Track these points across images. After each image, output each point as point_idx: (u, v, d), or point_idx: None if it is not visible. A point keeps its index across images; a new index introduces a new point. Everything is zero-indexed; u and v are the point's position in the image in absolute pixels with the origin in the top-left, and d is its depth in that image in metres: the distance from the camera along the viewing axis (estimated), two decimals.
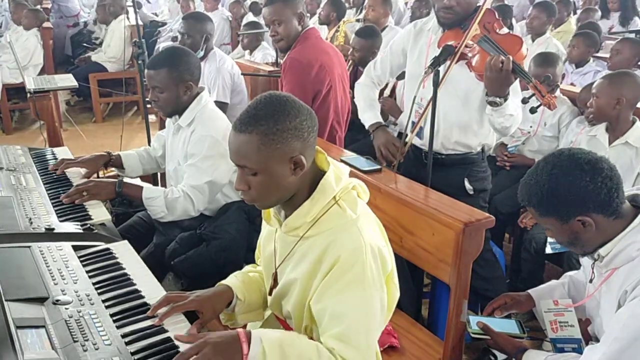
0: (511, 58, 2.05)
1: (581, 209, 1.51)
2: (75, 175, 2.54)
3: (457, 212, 1.91)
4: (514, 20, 6.02)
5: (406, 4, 8.80)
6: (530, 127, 3.23)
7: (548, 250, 2.66)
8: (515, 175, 3.28)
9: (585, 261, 1.72)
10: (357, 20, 5.20)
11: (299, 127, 1.38)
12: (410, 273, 2.46)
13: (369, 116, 2.64)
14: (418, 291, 2.62)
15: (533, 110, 2.15)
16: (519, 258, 3.07)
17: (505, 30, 2.30)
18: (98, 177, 2.66)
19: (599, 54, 4.55)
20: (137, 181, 2.68)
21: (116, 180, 2.38)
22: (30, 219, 2.04)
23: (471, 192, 2.42)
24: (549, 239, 2.74)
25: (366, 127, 2.64)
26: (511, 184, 3.19)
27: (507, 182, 3.19)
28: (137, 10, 5.19)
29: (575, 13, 6.29)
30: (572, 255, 2.59)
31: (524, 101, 2.13)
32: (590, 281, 1.66)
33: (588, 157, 1.52)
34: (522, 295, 1.89)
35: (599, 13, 5.89)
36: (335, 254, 1.37)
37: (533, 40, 4.72)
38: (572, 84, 4.06)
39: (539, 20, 4.69)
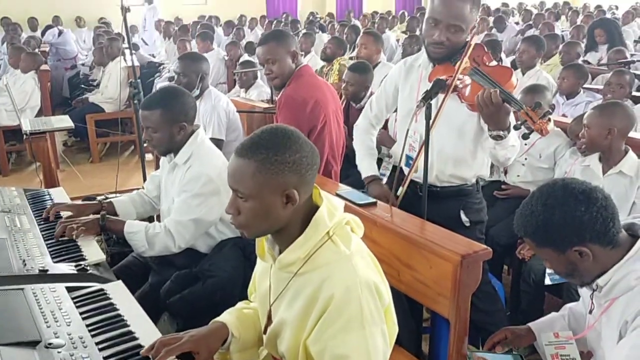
0: (498, 90, 2.07)
1: (578, 239, 1.50)
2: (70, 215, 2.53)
3: (454, 245, 1.91)
4: (503, 55, 6.12)
5: (398, 40, 8.96)
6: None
7: (547, 281, 2.64)
8: (512, 206, 3.27)
9: (584, 292, 1.71)
10: (351, 58, 5.30)
11: (297, 162, 1.39)
12: (409, 308, 2.43)
13: (365, 167, 2.67)
14: (418, 326, 2.58)
15: (526, 136, 2.16)
16: (518, 290, 3.05)
17: (494, 62, 2.33)
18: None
19: (589, 85, 4.61)
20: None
21: (98, 215, 2.38)
22: (24, 261, 2.02)
23: (467, 224, 2.41)
24: (548, 270, 2.72)
25: (362, 177, 2.67)
26: (508, 215, 3.18)
27: (503, 214, 3.19)
28: (134, 52, 5.28)
29: None
30: (571, 286, 2.57)
31: (516, 127, 2.14)
32: (590, 312, 1.64)
33: (582, 187, 1.52)
34: (522, 329, 1.87)
35: (582, 47, 5.97)
36: (329, 292, 1.36)
37: (523, 74, 4.79)
38: (563, 115, 4.09)
39: (528, 54, 4.77)
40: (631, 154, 2.69)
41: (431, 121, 2.21)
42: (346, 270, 1.39)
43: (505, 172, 3.44)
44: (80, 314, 1.70)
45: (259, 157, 1.37)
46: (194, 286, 2.35)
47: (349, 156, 3.84)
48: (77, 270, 2.01)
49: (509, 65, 5.74)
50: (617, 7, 14.11)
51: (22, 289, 1.77)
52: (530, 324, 1.87)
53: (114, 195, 2.96)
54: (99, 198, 2.82)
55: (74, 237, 2.26)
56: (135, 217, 2.69)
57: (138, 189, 2.84)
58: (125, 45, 7.34)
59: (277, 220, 1.42)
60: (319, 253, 1.41)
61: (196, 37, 7.18)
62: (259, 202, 1.39)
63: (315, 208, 1.45)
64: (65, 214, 2.51)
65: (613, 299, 1.54)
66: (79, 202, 2.63)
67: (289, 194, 1.39)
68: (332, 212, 1.46)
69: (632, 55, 6.05)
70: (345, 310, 1.35)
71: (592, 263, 1.52)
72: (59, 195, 2.80)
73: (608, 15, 10.69)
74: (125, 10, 3.17)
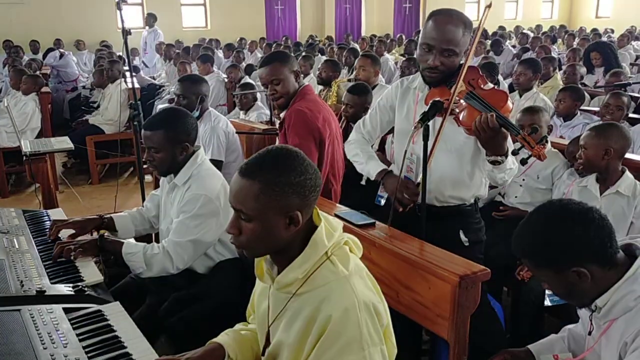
0: (494, 115, 2.08)
1: (576, 260, 1.50)
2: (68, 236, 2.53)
3: (452, 265, 1.91)
4: (500, 77, 6.17)
5: (396, 63, 9.05)
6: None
7: (547, 302, 2.63)
8: (510, 227, 3.20)
9: (583, 313, 1.70)
10: (349, 80, 5.34)
11: (302, 185, 1.39)
12: (408, 329, 2.42)
13: (373, 166, 2.57)
14: (417, 348, 2.56)
15: (524, 162, 2.17)
16: (517, 311, 3.03)
17: (489, 85, 2.35)
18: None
19: (587, 107, 4.64)
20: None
21: (96, 237, 2.38)
22: (21, 282, 2.02)
23: (466, 244, 2.41)
24: (547, 291, 2.71)
25: (372, 177, 2.57)
26: (506, 237, 3.14)
27: (502, 235, 3.15)
28: (135, 74, 5.32)
29: (560, 69, 6.46)
30: (571, 307, 2.55)
31: (514, 153, 2.15)
32: (589, 333, 1.64)
33: (578, 208, 1.53)
34: (521, 351, 1.85)
35: (584, 69, 6.05)
36: (327, 313, 1.36)
37: (521, 96, 4.83)
38: (561, 137, 4.12)
39: (525, 76, 4.80)
40: (628, 174, 2.70)
41: (430, 144, 2.23)
42: (344, 290, 1.38)
43: (503, 194, 3.45)
44: (78, 335, 1.69)
45: (263, 178, 1.37)
46: (192, 307, 2.34)
47: (349, 176, 3.87)
48: (75, 291, 2.00)
49: (506, 87, 5.81)
50: (612, 31, 14.27)
51: (18, 310, 1.77)
52: (529, 346, 1.86)
53: None
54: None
55: (72, 258, 2.25)
56: (134, 234, 2.70)
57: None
58: (126, 67, 7.42)
59: (279, 241, 1.42)
60: (317, 273, 1.41)
61: (197, 59, 7.25)
62: (261, 223, 1.38)
63: (314, 228, 1.45)
64: (66, 232, 2.51)
65: (612, 320, 1.54)
66: (79, 217, 2.62)
67: (293, 216, 1.39)
68: (331, 232, 1.46)
69: (628, 77, 6.10)
70: (344, 332, 1.34)
71: (591, 284, 1.51)
72: (57, 216, 2.80)
73: (604, 39, 10.82)
74: (126, 33, 3.21)
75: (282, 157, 1.40)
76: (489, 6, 2.32)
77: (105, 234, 2.50)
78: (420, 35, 2.33)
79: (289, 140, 2.89)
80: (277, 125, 3.15)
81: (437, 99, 2.27)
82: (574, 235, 1.49)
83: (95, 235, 2.54)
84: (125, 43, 3.31)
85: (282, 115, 3.01)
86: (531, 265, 1.58)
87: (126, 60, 3.64)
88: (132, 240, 2.52)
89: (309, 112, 2.88)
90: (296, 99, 2.94)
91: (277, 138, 3.09)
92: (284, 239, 1.42)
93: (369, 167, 2.58)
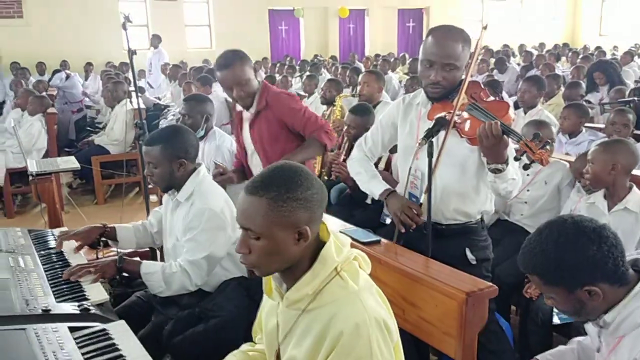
0: (498, 122, 2.09)
1: (589, 279, 1.48)
2: (73, 254, 2.54)
3: (458, 282, 1.89)
4: (505, 95, 6.18)
5: (400, 82, 9.10)
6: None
7: (555, 320, 2.61)
8: (518, 244, 3.23)
9: (591, 329, 1.68)
10: (353, 96, 5.35)
11: (309, 199, 1.39)
12: (415, 348, 2.39)
13: (376, 185, 2.57)
14: None
15: (527, 167, 2.15)
16: (526, 330, 2.99)
17: (491, 97, 2.36)
18: (97, 258, 2.64)
19: (591, 124, 4.63)
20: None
21: (115, 257, 2.38)
22: (27, 301, 2.01)
23: (473, 262, 2.39)
24: (556, 309, 2.69)
25: (376, 196, 2.57)
26: (514, 254, 3.14)
27: (509, 252, 3.15)
28: (140, 94, 5.37)
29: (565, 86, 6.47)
30: (580, 325, 2.53)
31: (516, 158, 2.14)
32: (598, 350, 1.61)
33: (593, 226, 1.50)
34: None
35: (584, 87, 6.05)
36: (338, 329, 1.34)
37: (525, 113, 4.82)
38: (567, 154, 4.11)
39: (530, 93, 4.80)
40: (635, 190, 2.69)
41: (434, 159, 2.23)
42: (355, 306, 1.38)
43: (508, 212, 3.43)
44: (83, 354, 1.68)
45: (270, 195, 1.36)
46: (197, 327, 2.33)
47: (354, 195, 3.87)
48: (80, 310, 1.99)
49: (511, 105, 5.82)
50: (616, 48, 14.32)
51: (24, 329, 1.76)
52: (538, 357, 1.82)
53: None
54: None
55: (91, 281, 2.26)
56: (135, 246, 2.71)
57: None
58: (132, 88, 7.47)
59: (289, 257, 1.41)
60: (327, 289, 1.40)
61: (196, 81, 7.23)
62: (271, 241, 1.38)
63: (322, 244, 1.45)
64: (70, 244, 2.52)
65: (621, 337, 1.51)
66: (82, 228, 2.62)
67: (302, 231, 1.38)
68: (340, 247, 1.46)
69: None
70: (355, 348, 1.33)
71: (601, 302, 1.49)
72: None
73: (608, 56, 10.85)
74: (131, 53, 3.24)
75: (288, 173, 1.40)
76: (485, 28, 2.35)
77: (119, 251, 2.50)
78: (421, 52, 2.35)
79: (288, 118, 3.01)
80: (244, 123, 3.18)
81: (441, 114, 2.28)
82: (589, 255, 1.46)
83: (110, 255, 2.55)
84: (131, 62, 3.34)
85: (251, 111, 3.07)
86: (541, 283, 1.55)
87: (132, 80, 3.67)
88: (149, 261, 2.52)
89: (286, 93, 3.12)
90: (263, 93, 3.01)
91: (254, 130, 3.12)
92: (294, 255, 1.41)
93: (372, 187, 2.58)
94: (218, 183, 2.67)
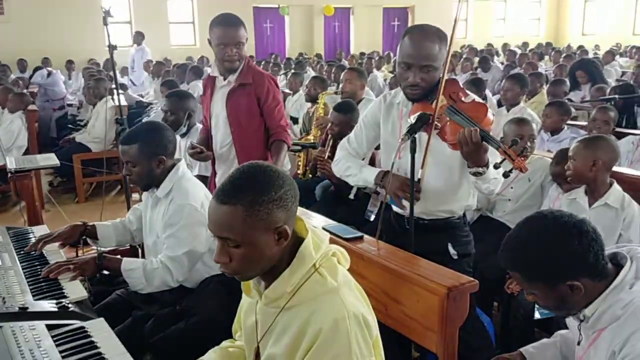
0: (478, 130, 2.09)
1: (570, 274, 1.48)
2: (53, 251, 2.50)
3: (440, 277, 1.90)
4: (488, 93, 6.22)
5: (385, 80, 9.11)
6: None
7: (537, 315, 2.62)
8: (500, 241, 3.26)
9: (571, 322, 1.69)
10: (336, 93, 5.35)
11: (283, 198, 1.36)
12: (397, 344, 2.39)
13: (368, 172, 2.51)
14: None
15: (506, 175, 2.16)
16: (508, 326, 3.01)
17: (470, 97, 2.35)
18: (77, 256, 2.61)
19: (574, 122, 4.67)
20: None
21: (95, 255, 2.35)
22: (3, 298, 1.98)
23: (455, 257, 2.40)
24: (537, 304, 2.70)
25: (371, 182, 2.49)
26: (496, 250, 3.15)
27: (491, 249, 3.14)
28: (123, 92, 5.30)
29: (547, 84, 6.53)
30: (561, 321, 2.54)
31: (496, 166, 2.15)
32: (578, 343, 1.62)
33: (573, 220, 1.50)
34: (513, 355, 1.83)
35: (568, 84, 6.11)
36: (317, 326, 1.33)
37: (508, 111, 4.85)
38: (549, 151, 4.13)
39: (513, 91, 4.84)
40: (616, 186, 2.71)
41: (419, 159, 2.22)
42: (334, 303, 1.36)
43: (492, 209, 3.45)
44: (60, 352, 1.65)
45: (245, 201, 1.33)
46: (178, 325, 2.30)
47: (337, 191, 3.86)
48: (58, 307, 1.96)
49: (495, 103, 5.85)
50: (598, 47, 14.49)
51: (0, 326, 1.73)
52: (521, 350, 1.82)
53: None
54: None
55: (70, 279, 2.22)
56: (115, 243, 2.68)
57: None
58: (114, 85, 7.37)
59: (271, 259, 1.39)
60: (306, 286, 1.39)
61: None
62: (252, 246, 1.35)
63: (300, 240, 1.43)
64: (52, 247, 2.49)
65: (600, 330, 1.52)
66: (62, 228, 2.58)
67: (281, 230, 1.36)
68: (318, 243, 1.44)
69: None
70: (334, 345, 1.32)
71: (582, 296, 1.50)
72: (42, 233, 2.75)
73: (590, 55, 10.97)
74: (112, 48, 3.20)
75: (259, 174, 1.37)
76: (456, 22, 2.30)
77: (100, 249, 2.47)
78: (398, 54, 2.34)
79: (270, 104, 3.08)
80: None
81: (422, 112, 2.27)
82: (570, 250, 1.46)
83: (90, 253, 2.51)
84: (112, 57, 3.30)
85: (230, 79, 3.07)
86: (522, 279, 1.55)
87: (113, 76, 3.63)
88: (130, 258, 2.48)
89: (275, 81, 3.19)
90: (249, 69, 3.07)
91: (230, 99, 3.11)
92: (275, 255, 1.39)
93: (365, 175, 2.51)
94: (196, 159, 2.82)
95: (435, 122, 2.25)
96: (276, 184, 1.36)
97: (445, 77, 2.25)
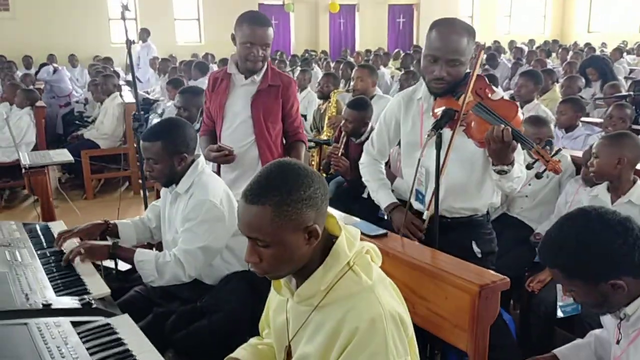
0: (510, 129, 2.05)
1: (613, 272, 1.45)
2: (71, 247, 2.47)
3: (470, 275, 1.86)
4: (500, 89, 6.17)
5: (392, 77, 9.07)
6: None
7: (559, 314, 2.59)
8: (518, 238, 3.26)
9: (609, 321, 1.66)
10: (347, 91, 5.32)
11: (312, 196, 1.33)
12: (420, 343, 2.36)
13: (383, 196, 2.58)
14: None
15: (539, 176, 2.11)
16: (527, 324, 2.98)
17: (497, 95, 2.30)
18: None
19: (588, 119, 4.64)
20: None
21: (110, 242, 2.35)
22: (26, 295, 1.96)
23: (479, 255, 2.37)
24: (559, 302, 2.67)
25: (382, 207, 2.58)
26: (514, 248, 3.15)
27: (509, 246, 3.14)
28: (130, 88, 5.27)
29: (558, 82, 6.50)
30: (584, 319, 2.52)
31: (529, 167, 2.10)
32: (617, 342, 1.59)
33: (618, 218, 1.47)
34: (547, 357, 1.80)
35: (583, 80, 6.09)
36: (353, 324, 1.31)
37: (522, 107, 4.82)
38: (563, 148, 4.10)
39: (527, 88, 4.81)
40: (639, 183, 2.68)
41: (442, 158, 2.19)
42: (370, 301, 1.34)
43: (508, 206, 3.42)
44: (87, 349, 1.63)
45: (273, 201, 1.29)
46: (200, 322, 2.28)
47: (350, 189, 3.84)
48: (82, 304, 1.94)
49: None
50: (605, 45, 14.43)
51: (25, 323, 1.71)
52: (555, 351, 1.80)
53: None
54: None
55: (80, 260, 2.23)
56: (136, 241, 2.65)
57: None
58: (122, 81, 7.34)
59: (302, 259, 1.36)
60: (340, 284, 1.36)
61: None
62: (281, 246, 1.32)
63: (332, 238, 1.41)
64: (72, 241, 2.47)
65: None
66: (84, 225, 2.56)
67: (311, 230, 1.33)
68: (351, 241, 1.41)
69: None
70: (370, 343, 1.30)
71: (624, 294, 1.47)
72: (58, 228, 2.73)
73: (597, 53, 10.92)
74: (129, 43, 3.17)
75: (287, 173, 1.33)
76: (483, 48, 2.30)
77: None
78: (425, 46, 2.30)
79: (293, 106, 3.05)
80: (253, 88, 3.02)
81: (448, 107, 2.24)
82: (614, 248, 1.43)
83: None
84: (129, 53, 3.27)
85: (254, 79, 2.94)
86: (562, 276, 1.52)
87: (123, 73, 3.60)
88: (144, 249, 2.46)
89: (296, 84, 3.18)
90: (275, 71, 3.02)
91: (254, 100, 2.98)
92: (306, 254, 1.36)
93: (379, 197, 2.61)
94: (220, 162, 2.86)
95: (462, 119, 2.21)
96: (305, 182, 1.33)
97: (474, 73, 2.21)
